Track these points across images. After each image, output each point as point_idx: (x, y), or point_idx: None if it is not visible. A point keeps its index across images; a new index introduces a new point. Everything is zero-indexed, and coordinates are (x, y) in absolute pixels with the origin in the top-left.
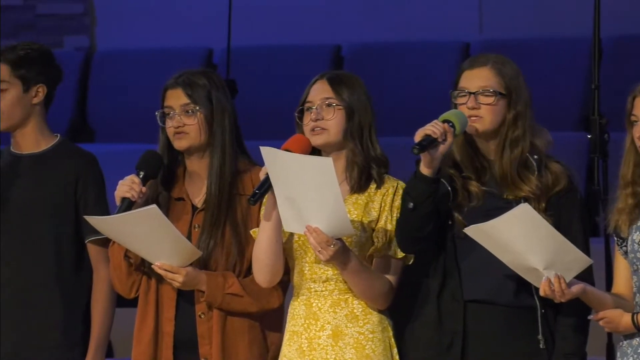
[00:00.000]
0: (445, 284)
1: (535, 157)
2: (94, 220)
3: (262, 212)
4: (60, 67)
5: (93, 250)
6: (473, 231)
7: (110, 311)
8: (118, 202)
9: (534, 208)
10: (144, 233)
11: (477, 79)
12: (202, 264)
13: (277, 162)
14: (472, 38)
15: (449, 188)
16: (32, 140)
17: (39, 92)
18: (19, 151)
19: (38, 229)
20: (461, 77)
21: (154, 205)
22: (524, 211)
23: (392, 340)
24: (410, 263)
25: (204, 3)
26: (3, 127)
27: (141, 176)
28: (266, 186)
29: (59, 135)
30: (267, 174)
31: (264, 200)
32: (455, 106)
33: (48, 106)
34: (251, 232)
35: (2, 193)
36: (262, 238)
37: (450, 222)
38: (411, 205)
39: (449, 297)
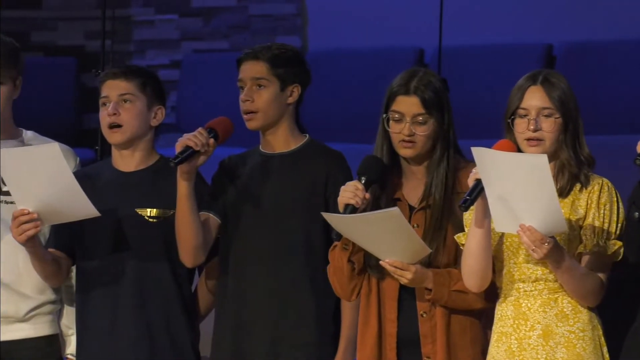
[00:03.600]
0: None
1: None
2: (330, 217)
3: (465, 217)
4: (310, 68)
5: None
6: None
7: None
8: (341, 208)
9: None
10: (379, 232)
11: None
12: (425, 264)
13: (489, 161)
14: None
15: None
16: (283, 140)
17: (294, 92)
18: (269, 151)
19: (290, 227)
20: None
21: (396, 208)
22: None
23: (602, 338)
24: (619, 259)
25: (416, 2)
26: (258, 125)
27: (363, 182)
28: (476, 192)
29: (307, 134)
30: (476, 180)
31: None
32: None
33: (298, 107)
34: (455, 237)
35: (254, 192)
36: (473, 244)
37: None
38: (637, 214)
39: None
